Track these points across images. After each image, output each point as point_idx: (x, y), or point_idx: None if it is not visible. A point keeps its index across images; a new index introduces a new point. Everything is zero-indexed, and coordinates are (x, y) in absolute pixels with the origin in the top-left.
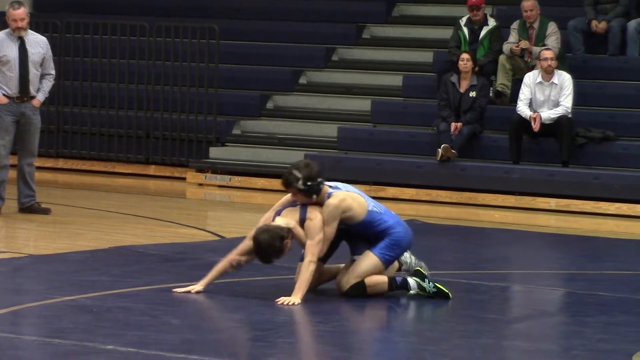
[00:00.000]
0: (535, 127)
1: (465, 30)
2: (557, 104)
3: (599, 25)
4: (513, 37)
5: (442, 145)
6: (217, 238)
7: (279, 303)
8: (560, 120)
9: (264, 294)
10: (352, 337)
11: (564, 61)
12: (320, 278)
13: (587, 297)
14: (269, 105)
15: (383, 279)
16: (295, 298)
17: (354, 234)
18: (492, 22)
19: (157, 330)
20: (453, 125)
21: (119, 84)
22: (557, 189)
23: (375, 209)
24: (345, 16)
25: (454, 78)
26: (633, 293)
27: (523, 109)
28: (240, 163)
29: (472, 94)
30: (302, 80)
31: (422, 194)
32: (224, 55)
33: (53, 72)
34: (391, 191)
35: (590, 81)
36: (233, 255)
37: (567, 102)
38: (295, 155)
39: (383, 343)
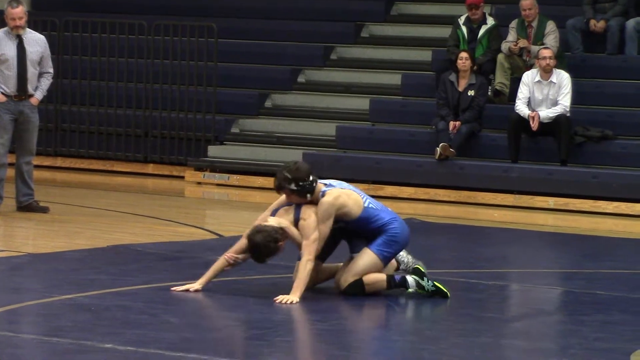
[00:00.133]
0: (534, 126)
1: (464, 29)
2: (555, 103)
3: (597, 24)
4: (512, 35)
5: (441, 144)
6: (215, 237)
7: (277, 301)
8: (558, 119)
9: (262, 292)
10: (351, 335)
11: (562, 60)
12: (318, 277)
13: (584, 296)
14: (268, 103)
15: (381, 277)
16: (294, 296)
17: (352, 232)
18: (490, 21)
19: (156, 328)
20: (452, 124)
21: (118, 83)
22: (555, 188)
23: (371, 205)
24: (344, 15)
25: (452, 77)
26: (631, 292)
27: (521, 107)
28: (238, 162)
29: (471, 92)
30: (301, 78)
31: (421, 192)
32: (222, 53)
33: (51, 70)
34: (390, 190)
35: (588, 80)
36: (230, 253)
37: (565, 101)
38: (293, 154)
39: (381, 342)
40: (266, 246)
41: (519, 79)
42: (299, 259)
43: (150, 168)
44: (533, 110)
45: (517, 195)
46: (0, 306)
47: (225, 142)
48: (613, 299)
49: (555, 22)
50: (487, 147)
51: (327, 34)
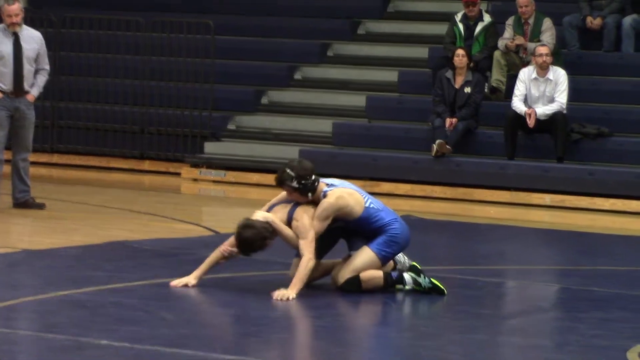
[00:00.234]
0: (530, 123)
1: (461, 26)
2: (552, 100)
3: (594, 22)
4: (508, 33)
5: (437, 141)
6: (211, 233)
7: (274, 295)
8: (555, 116)
9: (258, 289)
10: (347, 332)
11: (559, 57)
12: (314, 274)
13: (581, 293)
14: (264, 100)
15: (378, 273)
16: (291, 292)
17: (352, 231)
18: (487, 18)
19: (152, 325)
20: (448, 120)
21: (114, 79)
22: (552, 185)
23: (372, 205)
24: (340, 12)
25: (449, 74)
26: (628, 289)
27: (518, 104)
28: (235, 158)
29: (467, 89)
30: (297, 75)
31: (417, 189)
32: (219, 50)
33: (47, 67)
34: (386, 187)
35: (585, 77)
36: (225, 247)
37: (562, 98)
38: (290, 151)
39: (378, 338)
40: (254, 243)
41: (516, 76)
42: (297, 256)
43: (146, 165)
44: (529, 107)
45: (513, 192)
46: None
47: (221, 139)
48: (610, 296)
49: (552, 19)
50: (484, 144)
51: (323, 30)
